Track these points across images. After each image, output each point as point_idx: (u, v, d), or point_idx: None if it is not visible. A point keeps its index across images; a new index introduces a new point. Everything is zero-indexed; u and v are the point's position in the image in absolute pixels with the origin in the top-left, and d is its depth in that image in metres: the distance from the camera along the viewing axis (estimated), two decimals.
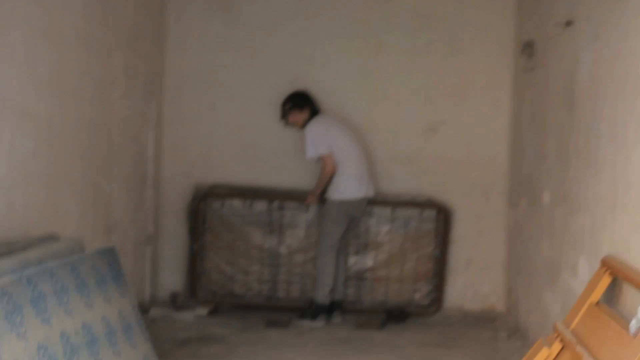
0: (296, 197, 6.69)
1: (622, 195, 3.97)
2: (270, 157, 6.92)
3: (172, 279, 6.86)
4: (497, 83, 6.82)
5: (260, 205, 6.70)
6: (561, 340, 3.83)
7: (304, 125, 6.48)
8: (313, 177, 6.66)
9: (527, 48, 6.15)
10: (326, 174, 6.37)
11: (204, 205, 6.66)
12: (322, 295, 6.31)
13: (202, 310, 6.42)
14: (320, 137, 6.34)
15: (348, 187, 6.35)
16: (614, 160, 4.12)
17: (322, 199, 6.47)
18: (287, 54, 6.89)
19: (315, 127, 6.38)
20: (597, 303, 3.86)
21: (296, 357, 5.34)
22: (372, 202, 6.60)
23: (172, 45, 6.86)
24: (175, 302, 6.62)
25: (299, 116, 6.51)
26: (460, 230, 6.91)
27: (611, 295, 3.97)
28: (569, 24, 5.06)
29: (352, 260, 6.70)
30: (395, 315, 6.47)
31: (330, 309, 6.35)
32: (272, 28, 6.89)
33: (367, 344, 5.73)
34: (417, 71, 6.87)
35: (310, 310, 6.33)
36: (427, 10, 6.84)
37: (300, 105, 6.50)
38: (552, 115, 5.47)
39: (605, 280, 3.85)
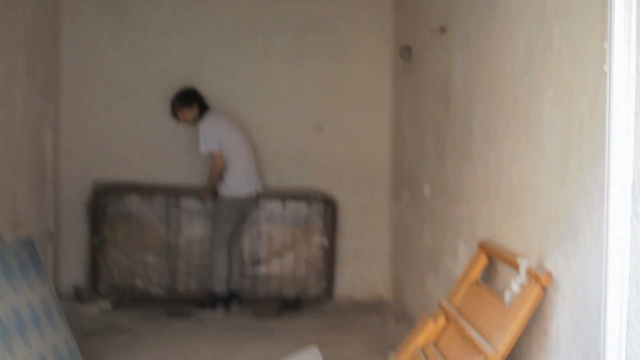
0: (191, 193, 6.95)
1: (494, 186, 4.45)
2: (164, 154, 7.17)
3: (75, 273, 7.01)
4: (378, 84, 7.28)
5: (158, 201, 6.93)
6: (445, 315, 4.28)
7: (194, 121, 6.76)
8: (206, 173, 6.92)
9: (405, 52, 6.62)
10: (215, 170, 6.64)
11: (103, 201, 6.84)
12: (219, 286, 6.61)
13: (106, 304, 6.63)
14: (210, 133, 6.61)
15: (238, 184, 6.68)
16: (486, 155, 4.60)
17: (215, 194, 6.76)
18: (178, 56, 7.15)
19: (206, 124, 6.66)
20: (477, 281, 4.32)
21: (200, 343, 5.63)
22: (263, 195, 6.93)
23: (68, 46, 7.01)
24: (79, 295, 6.80)
25: (188, 113, 6.77)
26: (347, 223, 7.33)
27: (488, 275, 4.44)
28: (442, 30, 5.54)
29: (246, 252, 7.01)
30: (290, 304, 6.84)
31: (228, 299, 6.66)
32: (164, 30, 7.14)
33: (266, 331, 6.07)
34: (303, 72, 7.24)
35: (209, 300, 6.63)
36: (311, 14, 7.22)
37: (187, 102, 6.76)
38: (430, 114, 5.94)
39: (482, 261, 4.32)
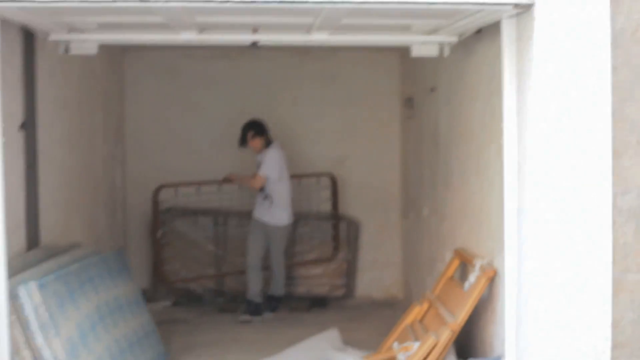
0: (234, 214, 8.72)
1: (466, 208, 6.14)
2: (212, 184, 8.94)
3: (140, 279, 8.70)
4: (389, 126, 9.01)
5: (207, 221, 8.73)
6: (429, 301, 5.99)
7: (260, 149, 7.95)
8: (246, 199, 8.62)
9: (408, 101, 8.36)
10: (253, 185, 7.92)
11: (163, 223, 8.61)
12: (279, 289, 8.25)
13: (166, 303, 8.42)
14: (274, 162, 7.85)
15: (287, 215, 8.08)
16: (460, 185, 6.30)
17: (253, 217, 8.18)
18: (221, 106, 8.93)
19: (274, 154, 7.89)
20: (452, 277, 6.02)
21: (246, 330, 7.44)
22: (300, 218, 8.66)
23: (131, 101, 8.84)
24: (145, 296, 8.62)
25: (259, 141, 7.93)
26: (366, 238, 9.07)
27: (462, 273, 6.13)
28: (432, 89, 7.27)
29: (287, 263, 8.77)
30: (318, 302, 8.57)
31: (274, 304, 8.26)
32: (209, 86, 8.92)
33: (298, 321, 7.86)
34: (327, 117, 8.96)
35: (273, 305, 8.23)
36: (332, 71, 8.95)
37: (261, 131, 7.94)
38: (426, 152, 7.66)
39: (455, 263, 6.02)
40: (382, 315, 8.09)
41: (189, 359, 6.50)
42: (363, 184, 9.05)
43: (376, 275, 9.12)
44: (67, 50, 5.24)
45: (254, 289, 8.04)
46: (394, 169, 9.05)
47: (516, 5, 3.85)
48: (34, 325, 4.41)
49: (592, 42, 3.82)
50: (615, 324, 3.93)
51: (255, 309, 8.02)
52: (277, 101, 8.94)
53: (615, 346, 3.92)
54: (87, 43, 5.14)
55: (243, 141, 7.99)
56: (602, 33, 3.80)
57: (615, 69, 3.83)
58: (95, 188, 7.41)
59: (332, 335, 6.68)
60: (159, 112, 8.92)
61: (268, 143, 7.97)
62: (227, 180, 8.30)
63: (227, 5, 3.72)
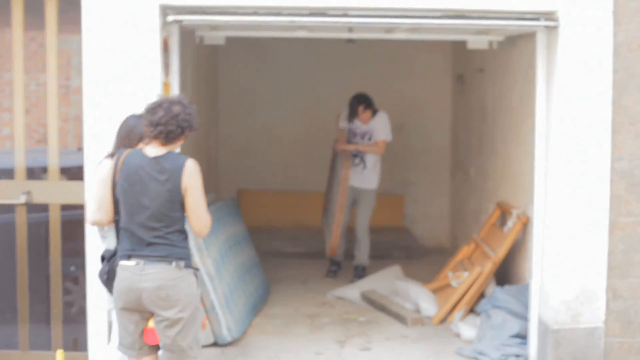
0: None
1: (506, 170, 7.67)
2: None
3: None
4: (442, 100, 10.51)
5: None
6: (475, 243, 7.56)
7: (369, 119, 8.38)
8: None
9: (460, 79, 9.86)
10: (376, 152, 8.33)
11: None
12: (365, 258, 8.56)
13: None
14: (390, 127, 8.41)
15: (378, 178, 8.49)
16: (502, 150, 7.82)
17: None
18: (302, 83, 10.49)
19: (388, 119, 8.41)
20: (494, 224, 7.57)
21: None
22: None
23: (223, 76, 10.46)
24: None
25: (368, 113, 8.35)
26: (420, 194, 10.62)
27: (502, 221, 7.67)
28: (481, 70, 8.76)
29: None
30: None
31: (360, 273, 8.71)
32: (292, 64, 10.47)
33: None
34: (391, 91, 10.42)
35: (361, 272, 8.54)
36: (395, 53, 10.42)
37: (370, 103, 8.37)
38: (473, 122, 9.18)
39: (497, 213, 7.57)
40: (432, 260, 9.62)
41: (281, 286, 8.14)
42: (417, 149, 10.55)
43: (428, 227, 10.66)
44: (201, 40, 6.82)
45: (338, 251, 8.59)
46: (444, 135, 10.55)
47: (546, 27, 5.43)
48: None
49: (600, 51, 5.38)
50: (610, 253, 5.51)
51: (337, 269, 8.68)
52: (346, 78, 10.39)
53: (610, 268, 5.52)
54: (218, 36, 6.70)
55: (354, 114, 8.39)
56: (606, 45, 5.37)
57: (615, 71, 5.37)
58: (194, 146, 9.05)
59: (395, 271, 8.27)
60: (248, 86, 10.51)
61: (374, 112, 8.45)
62: (343, 150, 8.47)
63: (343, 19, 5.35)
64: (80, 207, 5.42)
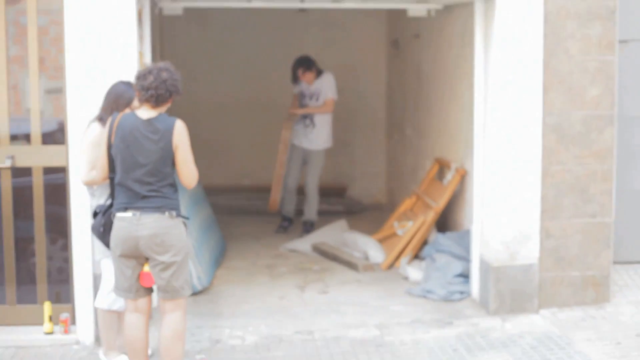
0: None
1: (442, 127, 8.33)
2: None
3: None
4: (377, 63, 11.09)
5: None
6: (416, 195, 8.23)
7: (312, 80, 8.83)
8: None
9: (395, 44, 10.46)
10: (326, 111, 8.85)
11: None
12: (313, 214, 9.14)
13: None
14: (336, 86, 8.90)
15: (328, 139, 9.09)
16: (437, 110, 8.47)
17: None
18: (247, 50, 10.93)
19: (333, 78, 8.91)
20: (433, 178, 8.25)
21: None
22: None
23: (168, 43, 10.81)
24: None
25: (310, 75, 8.80)
26: (358, 154, 11.23)
27: (440, 175, 8.35)
28: (417, 36, 9.37)
29: None
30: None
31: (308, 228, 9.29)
32: (232, 31, 10.88)
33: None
34: (328, 57, 10.91)
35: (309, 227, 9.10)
36: (332, 19, 10.92)
37: (310, 66, 8.80)
38: (409, 84, 9.81)
39: (435, 167, 8.25)
40: (371, 215, 10.28)
41: (236, 243, 8.66)
42: (354, 110, 11.12)
43: (365, 184, 11.29)
44: (160, 12, 7.21)
45: (288, 208, 9.24)
46: (380, 97, 11.16)
47: None
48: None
49: (532, 19, 6.05)
50: (542, 198, 6.24)
51: (288, 224, 9.25)
52: (285, 45, 10.87)
53: (543, 211, 6.25)
54: (177, 7, 7.10)
55: (295, 78, 8.87)
56: (537, 13, 6.03)
57: (545, 35, 6.05)
58: None
59: (341, 225, 8.89)
60: (191, 54, 10.88)
61: (319, 73, 8.90)
62: (292, 114, 9.01)
63: None
64: (62, 170, 5.84)
